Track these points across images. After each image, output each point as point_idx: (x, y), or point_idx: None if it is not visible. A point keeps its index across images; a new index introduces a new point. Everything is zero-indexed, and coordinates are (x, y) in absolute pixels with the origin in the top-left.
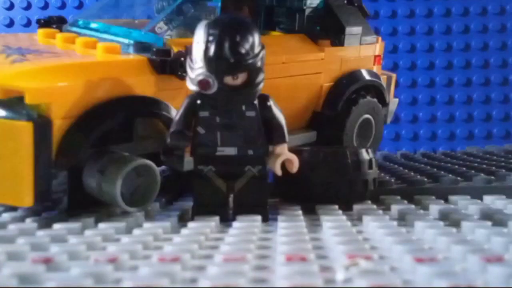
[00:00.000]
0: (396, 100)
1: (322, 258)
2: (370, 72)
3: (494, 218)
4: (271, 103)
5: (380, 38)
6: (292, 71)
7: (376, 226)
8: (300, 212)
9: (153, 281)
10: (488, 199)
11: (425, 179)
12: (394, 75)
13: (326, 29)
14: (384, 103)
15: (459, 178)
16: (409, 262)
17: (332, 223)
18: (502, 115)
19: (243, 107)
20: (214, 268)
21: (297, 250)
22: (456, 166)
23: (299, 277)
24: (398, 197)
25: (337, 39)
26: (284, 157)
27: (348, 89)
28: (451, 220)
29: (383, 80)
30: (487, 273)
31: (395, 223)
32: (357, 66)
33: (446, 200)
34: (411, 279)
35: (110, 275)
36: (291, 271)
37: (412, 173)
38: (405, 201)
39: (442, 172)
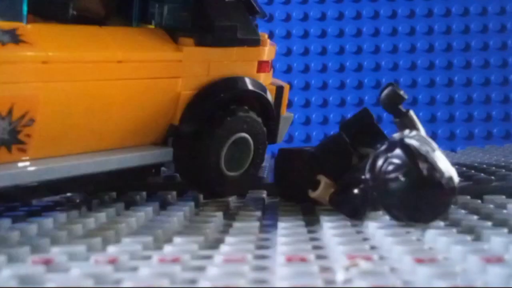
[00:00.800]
0: (290, 115)
1: (322, 259)
2: (249, 80)
3: (494, 218)
4: None
5: (268, 41)
6: (132, 72)
7: (376, 226)
8: (300, 212)
9: (153, 281)
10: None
11: None
12: (286, 86)
13: (190, 24)
14: (269, 118)
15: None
16: (409, 263)
17: (332, 223)
18: (502, 115)
19: None
20: (214, 269)
21: (297, 250)
22: (456, 166)
23: (299, 278)
24: None
25: (203, 38)
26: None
27: (215, 99)
28: (451, 220)
29: (270, 91)
30: (487, 274)
31: (395, 223)
32: (232, 73)
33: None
34: (411, 280)
35: (110, 275)
36: (291, 272)
37: None
38: None
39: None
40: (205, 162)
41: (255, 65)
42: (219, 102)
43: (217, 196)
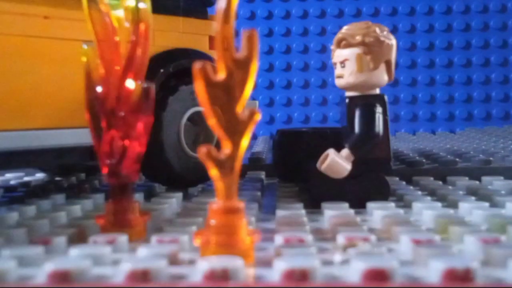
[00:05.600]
0: (255, 102)
1: (320, 240)
2: (198, 53)
3: (492, 199)
4: None
5: None
6: (60, 31)
7: (374, 207)
8: (298, 193)
9: (151, 262)
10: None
11: (424, 160)
12: None
13: None
14: None
15: (458, 159)
16: (407, 244)
17: (331, 205)
18: (501, 96)
19: None
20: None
21: (295, 232)
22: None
23: (297, 259)
24: (397, 178)
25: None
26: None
27: (159, 71)
28: (449, 201)
29: None
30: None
31: (393, 204)
32: (179, 44)
33: (445, 181)
34: (409, 261)
35: (108, 256)
36: (289, 253)
37: (410, 154)
38: (404, 182)
39: (441, 153)
40: (161, 142)
41: (207, 40)
42: (165, 74)
43: (182, 181)
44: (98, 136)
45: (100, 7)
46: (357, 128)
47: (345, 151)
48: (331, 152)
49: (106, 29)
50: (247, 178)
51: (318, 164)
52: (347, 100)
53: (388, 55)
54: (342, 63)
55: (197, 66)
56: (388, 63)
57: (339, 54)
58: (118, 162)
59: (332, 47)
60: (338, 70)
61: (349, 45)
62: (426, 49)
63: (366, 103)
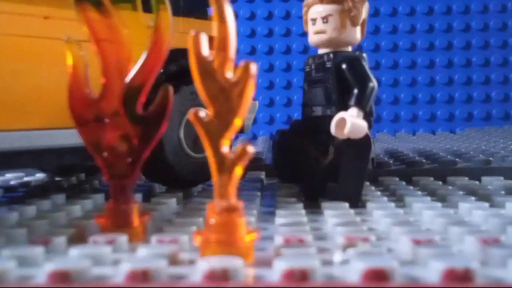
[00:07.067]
0: (255, 103)
1: (320, 240)
2: None
3: (491, 199)
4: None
5: None
6: (60, 31)
7: (374, 208)
8: (298, 193)
9: (151, 262)
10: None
11: (424, 160)
12: None
13: None
14: None
15: (457, 159)
16: (406, 244)
17: (331, 205)
18: (501, 96)
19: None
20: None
21: (295, 232)
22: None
23: (297, 259)
24: (397, 179)
25: (145, 3)
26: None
27: (160, 71)
28: (449, 201)
29: None
30: (484, 255)
31: (393, 204)
32: (179, 44)
33: (445, 181)
34: (408, 261)
35: (108, 256)
36: (289, 253)
37: (410, 154)
38: (404, 182)
39: (441, 153)
40: (163, 145)
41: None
42: (165, 75)
43: (182, 181)
44: (89, 136)
45: (104, 7)
46: (355, 84)
47: (354, 110)
48: (345, 115)
49: (110, 29)
50: (247, 178)
51: (334, 131)
52: (331, 56)
53: (366, 14)
54: (325, 18)
55: None
56: (363, 22)
57: (320, 10)
58: (127, 163)
59: (307, 2)
60: (318, 26)
61: (333, 1)
62: (426, 49)
63: (355, 57)
